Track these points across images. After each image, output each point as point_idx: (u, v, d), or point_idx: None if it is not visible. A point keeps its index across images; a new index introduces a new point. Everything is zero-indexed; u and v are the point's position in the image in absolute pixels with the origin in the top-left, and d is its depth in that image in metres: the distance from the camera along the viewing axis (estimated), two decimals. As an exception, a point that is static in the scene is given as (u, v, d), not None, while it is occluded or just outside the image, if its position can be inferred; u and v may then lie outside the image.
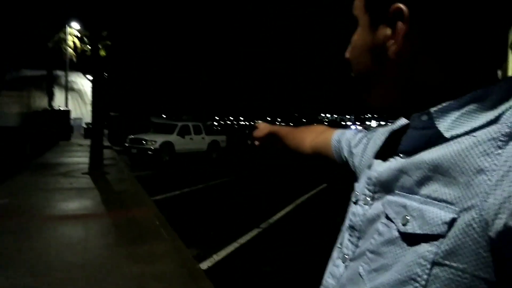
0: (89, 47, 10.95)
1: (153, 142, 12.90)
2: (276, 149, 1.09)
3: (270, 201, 7.42)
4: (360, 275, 0.48)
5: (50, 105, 23.16)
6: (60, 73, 25.19)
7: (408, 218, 0.42)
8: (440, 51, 0.43)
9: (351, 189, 0.61)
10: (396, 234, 0.43)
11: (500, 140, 0.37)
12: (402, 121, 0.59)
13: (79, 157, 11.77)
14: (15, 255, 3.66)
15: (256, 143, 1.11)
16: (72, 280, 3.17)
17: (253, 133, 1.11)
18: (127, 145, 13.52)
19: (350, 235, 0.55)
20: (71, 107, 23.37)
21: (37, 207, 5.57)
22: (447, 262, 0.37)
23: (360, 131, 0.79)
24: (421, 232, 0.40)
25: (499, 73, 0.47)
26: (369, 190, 0.53)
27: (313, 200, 7.93)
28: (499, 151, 0.37)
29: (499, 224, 0.34)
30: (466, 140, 0.40)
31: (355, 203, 0.57)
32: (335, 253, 0.59)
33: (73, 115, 22.47)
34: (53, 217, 5.08)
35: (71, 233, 4.47)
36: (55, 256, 3.68)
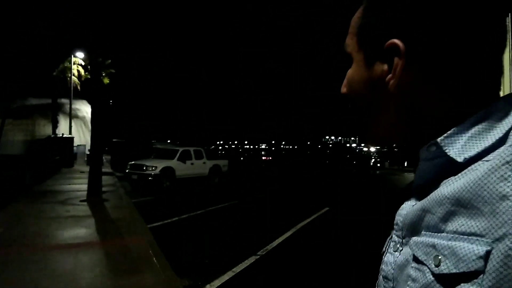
0: (89, 75, 11.17)
1: (154, 168, 12.90)
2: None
3: (270, 226, 7.28)
4: None
5: (54, 132, 23.45)
6: (65, 101, 25.61)
7: (440, 257, 0.39)
8: (440, 79, 0.44)
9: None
10: (431, 277, 0.40)
11: None
12: None
13: (79, 184, 11.73)
14: (5, 287, 3.57)
15: None
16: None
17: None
18: (127, 171, 13.52)
19: (385, 286, 0.51)
20: (75, 134, 23.56)
21: (31, 236, 5.47)
22: None
23: None
24: (458, 271, 0.37)
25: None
26: (397, 236, 0.51)
27: (314, 224, 7.77)
28: None
29: None
30: (480, 167, 0.39)
31: (386, 252, 0.54)
32: None
33: (76, 142, 22.56)
34: (46, 247, 4.99)
35: (63, 264, 4.37)
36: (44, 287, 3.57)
